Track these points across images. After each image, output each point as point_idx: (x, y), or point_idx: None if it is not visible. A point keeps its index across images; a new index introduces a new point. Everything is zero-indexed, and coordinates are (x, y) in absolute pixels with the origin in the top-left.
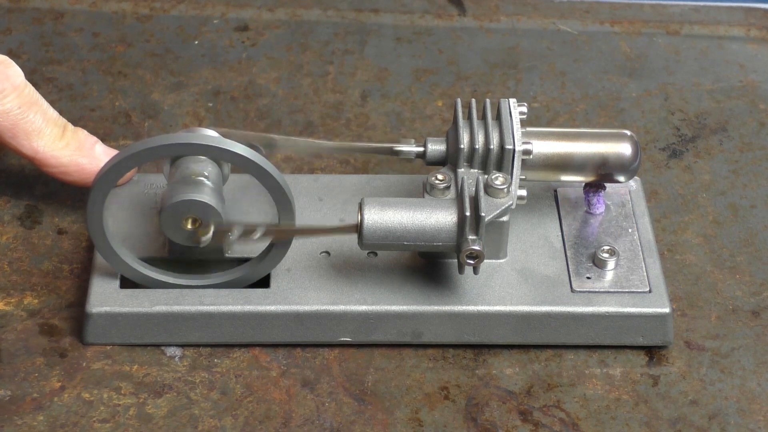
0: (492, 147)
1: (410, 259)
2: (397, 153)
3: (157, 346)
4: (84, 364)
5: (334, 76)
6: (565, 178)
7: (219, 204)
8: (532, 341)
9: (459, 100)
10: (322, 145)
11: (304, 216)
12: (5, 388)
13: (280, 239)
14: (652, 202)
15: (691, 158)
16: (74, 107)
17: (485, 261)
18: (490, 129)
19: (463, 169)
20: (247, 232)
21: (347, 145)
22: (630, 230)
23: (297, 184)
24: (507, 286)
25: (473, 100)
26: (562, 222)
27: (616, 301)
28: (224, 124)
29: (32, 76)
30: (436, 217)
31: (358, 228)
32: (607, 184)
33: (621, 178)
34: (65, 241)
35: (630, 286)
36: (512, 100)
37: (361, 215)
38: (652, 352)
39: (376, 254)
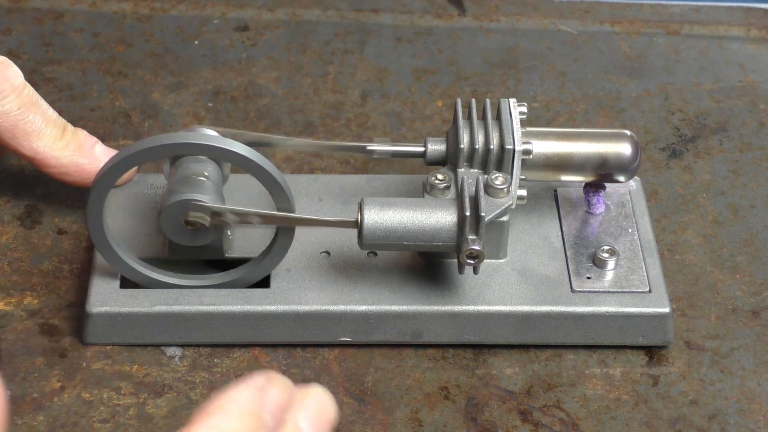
0: (492, 147)
1: (410, 259)
2: (371, 152)
3: (157, 346)
4: (84, 364)
5: (334, 76)
6: (565, 178)
7: (219, 204)
8: (532, 341)
9: (459, 100)
10: (304, 144)
11: None
12: (5, 388)
13: (277, 226)
14: (652, 202)
15: (691, 158)
16: (74, 107)
17: (485, 261)
18: (490, 129)
19: (463, 169)
20: (245, 221)
21: (324, 144)
22: (630, 230)
23: (297, 184)
24: (507, 286)
25: (473, 100)
26: (562, 222)
27: (616, 301)
28: (224, 124)
29: (32, 76)
30: (436, 217)
31: (357, 225)
32: (607, 184)
33: (621, 178)
34: (65, 241)
35: (630, 286)
36: (512, 100)
37: (361, 215)
38: (652, 352)
39: (376, 254)
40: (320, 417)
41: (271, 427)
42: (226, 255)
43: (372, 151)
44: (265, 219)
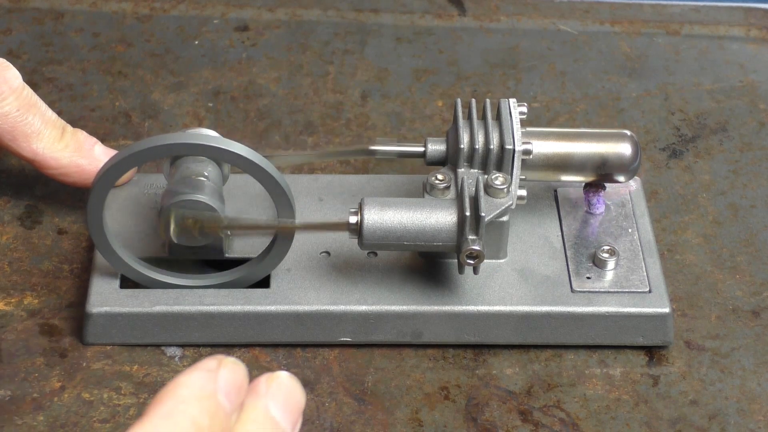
0: (492, 147)
1: (410, 259)
2: (373, 153)
3: (157, 346)
4: (84, 364)
5: (334, 76)
6: (565, 178)
7: (219, 204)
8: (532, 341)
9: (459, 100)
10: (298, 157)
11: (304, 216)
12: (5, 388)
13: (280, 234)
14: (652, 202)
15: (691, 158)
16: (74, 107)
17: (485, 261)
18: (490, 129)
19: (463, 169)
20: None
21: (326, 151)
22: (630, 230)
23: (297, 184)
24: (507, 286)
25: (473, 100)
26: (562, 222)
27: (616, 301)
28: (224, 124)
29: (32, 77)
30: (436, 217)
31: (357, 227)
32: (607, 184)
33: (621, 178)
34: (65, 241)
35: (630, 286)
36: (512, 100)
37: (361, 215)
38: (652, 352)
39: (376, 254)
40: (290, 403)
41: (229, 410)
42: (226, 255)
43: (375, 152)
44: (260, 226)
